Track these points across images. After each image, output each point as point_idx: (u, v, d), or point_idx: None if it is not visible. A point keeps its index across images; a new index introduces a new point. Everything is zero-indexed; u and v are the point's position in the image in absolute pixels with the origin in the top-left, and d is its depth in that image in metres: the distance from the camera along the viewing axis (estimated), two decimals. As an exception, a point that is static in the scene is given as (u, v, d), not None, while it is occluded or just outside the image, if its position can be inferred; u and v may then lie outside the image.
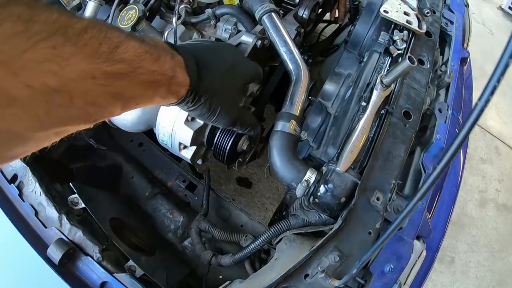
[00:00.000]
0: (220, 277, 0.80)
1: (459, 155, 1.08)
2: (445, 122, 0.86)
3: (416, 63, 0.59)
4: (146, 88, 0.36)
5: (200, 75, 0.43)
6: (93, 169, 0.86)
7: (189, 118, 0.59)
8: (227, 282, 0.64)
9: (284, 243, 0.62)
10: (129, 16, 0.79)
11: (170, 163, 0.93)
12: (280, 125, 0.62)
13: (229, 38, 0.90)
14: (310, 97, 0.90)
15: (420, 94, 0.78)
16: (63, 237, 0.62)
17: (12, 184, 0.68)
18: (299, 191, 0.60)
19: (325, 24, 1.33)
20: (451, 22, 1.03)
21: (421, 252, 0.71)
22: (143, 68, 0.33)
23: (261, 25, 0.77)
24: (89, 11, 0.86)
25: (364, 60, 0.78)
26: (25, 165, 0.68)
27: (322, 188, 0.58)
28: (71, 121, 0.29)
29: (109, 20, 0.87)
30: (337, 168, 0.59)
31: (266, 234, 0.65)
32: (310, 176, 0.60)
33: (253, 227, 0.84)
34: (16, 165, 0.69)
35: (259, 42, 0.76)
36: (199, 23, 0.88)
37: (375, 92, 0.68)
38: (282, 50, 0.70)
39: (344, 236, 0.59)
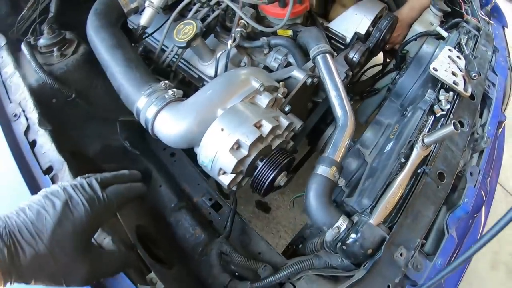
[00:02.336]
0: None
1: (481, 215, 1.14)
2: (474, 186, 0.92)
3: (459, 130, 0.67)
4: None
5: (15, 250, 0.42)
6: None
7: (235, 147, 0.67)
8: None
9: (305, 282, 0.69)
10: (186, 30, 0.88)
11: (199, 179, 1.00)
12: (321, 169, 0.70)
13: (277, 68, 0.99)
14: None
15: (456, 157, 0.85)
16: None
17: (46, 175, 0.72)
18: (329, 236, 0.67)
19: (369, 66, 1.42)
20: (493, 85, 1.11)
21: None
22: None
23: (314, 63, 0.85)
24: (145, 16, 0.95)
25: (408, 115, 0.85)
26: (63, 160, 0.73)
27: (351, 237, 0.66)
28: None
29: (164, 31, 0.96)
30: (370, 221, 0.66)
31: (289, 270, 0.72)
32: (342, 223, 0.67)
33: (271, 256, 0.90)
34: (53, 158, 0.74)
35: (309, 80, 0.85)
36: (251, 48, 0.97)
37: (415, 151, 0.75)
38: (332, 94, 0.78)
39: (364, 285, 0.65)
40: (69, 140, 0.90)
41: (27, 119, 0.78)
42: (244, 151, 0.66)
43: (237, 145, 0.66)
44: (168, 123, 0.71)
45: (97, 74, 0.95)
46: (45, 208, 0.47)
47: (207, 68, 0.97)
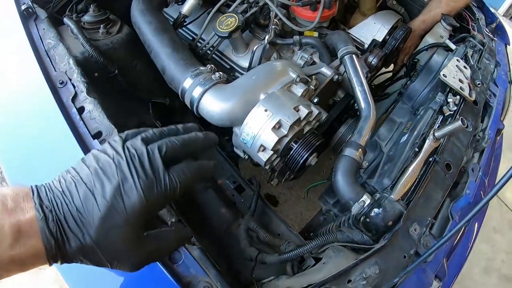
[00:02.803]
0: (253, 276, 0.95)
1: (473, 223, 1.26)
2: (475, 181, 1.05)
3: (466, 125, 0.79)
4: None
5: (62, 237, 0.40)
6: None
7: (277, 126, 0.77)
8: (272, 277, 0.80)
9: (332, 251, 0.79)
10: (228, 22, 0.98)
11: (224, 163, 1.10)
12: (348, 151, 0.81)
13: (303, 66, 1.11)
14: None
15: (461, 152, 0.97)
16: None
17: (96, 139, 0.74)
18: (355, 209, 0.78)
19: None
20: (494, 95, 1.25)
21: (437, 289, 0.87)
22: None
23: (341, 62, 0.97)
24: (187, 6, 1.06)
25: (421, 113, 0.98)
26: (112, 126, 0.75)
27: (374, 211, 0.76)
28: None
29: (206, 22, 1.07)
30: (391, 196, 0.77)
31: (315, 242, 0.82)
32: (366, 198, 0.78)
33: (289, 237, 0.99)
34: (103, 124, 0.75)
35: (336, 77, 0.97)
36: (282, 45, 1.09)
37: (427, 142, 0.87)
38: (357, 89, 0.90)
39: (384, 254, 0.75)
40: (110, 112, 0.96)
41: (74, 86, 0.81)
42: (284, 131, 0.77)
43: (279, 125, 0.76)
44: (214, 103, 0.81)
45: (138, 55, 1.03)
46: (93, 193, 0.41)
47: (241, 60, 1.08)
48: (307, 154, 0.79)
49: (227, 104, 0.80)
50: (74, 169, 0.43)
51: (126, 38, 1.03)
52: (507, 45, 1.49)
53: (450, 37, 1.28)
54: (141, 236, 0.44)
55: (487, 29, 1.40)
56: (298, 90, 0.85)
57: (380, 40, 1.22)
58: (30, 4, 0.96)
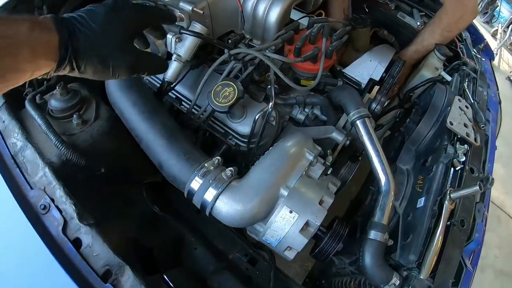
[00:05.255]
0: None
1: None
2: (482, 221, 1.16)
3: (481, 189, 0.87)
4: (2, 55, 0.43)
5: (73, 29, 0.52)
6: (160, 241, 1.01)
7: (305, 227, 0.79)
8: None
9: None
10: (225, 93, 0.94)
11: (232, 235, 1.11)
12: (374, 234, 0.86)
13: (304, 121, 1.13)
14: (371, 187, 1.16)
15: (472, 202, 1.07)
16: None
17: (108, 284, 0.67)
18: (386, 291, 0.84)
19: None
20: (488, 121, 1.37)
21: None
22: None
23: (352, 126, 0.99)
24: (171, 71, 0.99)
25: (432, 169, 1.05)
26: (122, 262, 0.69)
27: (405, 291, 0.83)
28: None
29: (200, 87, 1.02)
30: (421, 276, 0.84)
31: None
32: (396, 280, 0.84)
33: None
34: (110, 259, 0.69)
35: (347, 142, 1.00)
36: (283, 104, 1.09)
37: (445, 206, 0.95)
38: (374, 159, 0.93)
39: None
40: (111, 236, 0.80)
41: (60, 211, 0.71)
42: (312, 230, 0.79)
43: (307, 225, 0.79)
44: (232, 206, 0.80)
45: (124, 136, 0.94)
46: (93, 8, 0.57)
47: (238, 126, 1.07)
48: (338, 245, 0.83)
49: (246, 207, 0.80)
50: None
51: (107, 124, 0.95)
52: (492, 60, 1.61)
53: (444, 67, 1.36)
54: (131, 42, 0.62)
55: (474, 50, 1.50)
56: (317, 172, 0.88)
57: (378, 79, 1.26)
58: None
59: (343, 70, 1.28)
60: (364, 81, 1.26)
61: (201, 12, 0.94)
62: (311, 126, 1.10)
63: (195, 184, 0.83)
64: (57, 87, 0.91)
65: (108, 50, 0.56)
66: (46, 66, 0.50)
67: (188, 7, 0.93)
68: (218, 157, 0.87)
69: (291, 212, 0.79)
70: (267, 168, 0.84)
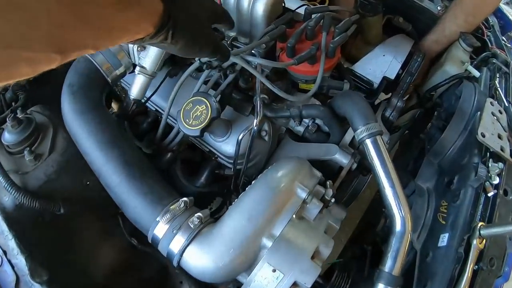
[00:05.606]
0: None
1: None
2: (512, 251, 0.98)
3: None
4: (116, 10, 0.41)
5: (174, 1, 0.51)
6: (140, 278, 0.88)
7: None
8: None
9: None
10: (197, 113, 0.77)
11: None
12: (382, 288, 0.69)
13: (303, 133, 0.94)
14: (384, 209, 0.97)
15: (505, 239, 0.88)
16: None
17: None
18: None
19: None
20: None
21: None
22: None
23: (360, 144, 0.79)
24: (137, 87, 0.84)
25: (460, 196, 0.86)
26: None
27: None
28: (37, 44, 0.33)
29: (171, 98, 0.86)
30: None
31: None
32: None
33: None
34: None
35: (355, 165, 0.81)
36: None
37: (473, 247, 0.77)
38: (387, 191, 0.73)
39: None
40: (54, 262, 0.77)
41: (12, 266, 0.67)
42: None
43: (295, 286, 0.62)
44: (203, 259, 0.65)
45: (88, 169, 0.80)
46: None
47: (223, 145, 0.89)
48: (350, 281, 0.68)
49: (218, 264, 0.64)
50: None
51: (63, 159, 0.81)
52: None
53: (471, 60, 1.13)
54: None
55: (504, 38, 1.25)
56: (312, 212, 0.70)
57: (393, 77, 1.05)
58: None
59: (352, 68, 1.07)
60: (377, 80, 1.05)
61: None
62: (311, 143, 0.91)
63: (159, 230, 0.67)
64: (7, 119, 0.80)
65: (200, 28, 0.58)
66: (145, 30, 0.48)
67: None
68: (185, 199, 0.70)
69: (274, 271, 0.62)
70: (246, 212, 0.67)
